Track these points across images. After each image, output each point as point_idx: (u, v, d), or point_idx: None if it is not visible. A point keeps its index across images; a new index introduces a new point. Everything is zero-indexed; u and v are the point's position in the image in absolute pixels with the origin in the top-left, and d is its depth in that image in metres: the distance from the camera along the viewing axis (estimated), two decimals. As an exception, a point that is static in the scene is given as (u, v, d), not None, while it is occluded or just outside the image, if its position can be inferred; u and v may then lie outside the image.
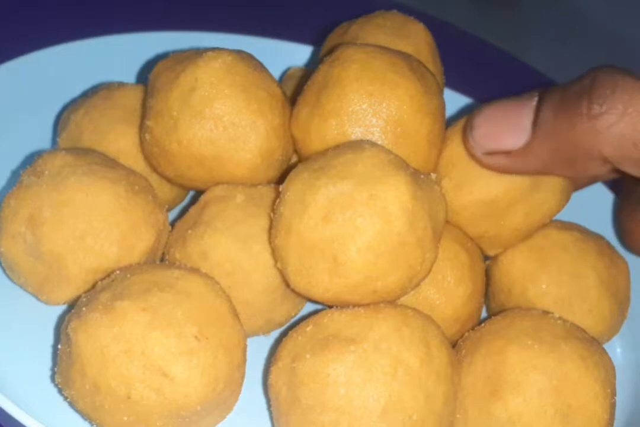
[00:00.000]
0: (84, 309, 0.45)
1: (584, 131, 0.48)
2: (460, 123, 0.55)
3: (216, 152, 0.52)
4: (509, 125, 0.51)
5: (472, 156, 0.54)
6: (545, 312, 0.52)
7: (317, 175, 0.47)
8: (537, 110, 0.51)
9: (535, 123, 0.51)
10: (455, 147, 0.55)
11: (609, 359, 0.50)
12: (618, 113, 0.47)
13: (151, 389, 0.43)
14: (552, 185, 0.54)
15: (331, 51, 0.56)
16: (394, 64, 0.53)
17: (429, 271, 0.48)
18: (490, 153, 0.52)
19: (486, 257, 0.59)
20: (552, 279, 0.56)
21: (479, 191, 0.54)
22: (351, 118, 0.51)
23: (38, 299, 0.52)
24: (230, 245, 0.50)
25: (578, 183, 0.57)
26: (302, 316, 0.55)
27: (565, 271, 0.56)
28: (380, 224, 0.45)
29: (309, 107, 0.53)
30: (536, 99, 0.51)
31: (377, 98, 0.51)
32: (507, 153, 0.52)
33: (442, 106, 0.55)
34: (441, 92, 0.55)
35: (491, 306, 0.59)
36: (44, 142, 0.63)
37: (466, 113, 0.69)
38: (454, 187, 0.55)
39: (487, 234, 0.56)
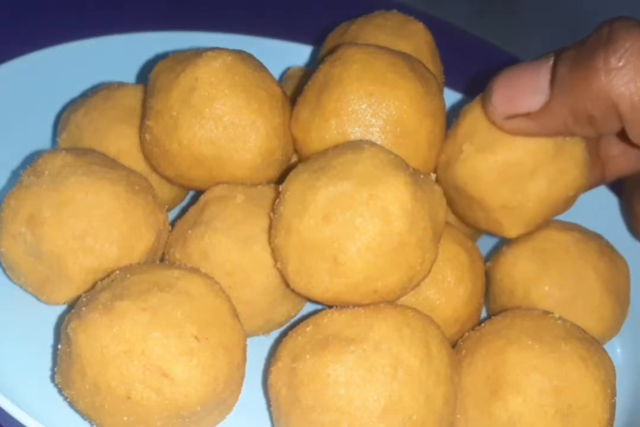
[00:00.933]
0: (83, 309, 0.45)
1: (601, 87, 0.47)
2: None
3: (216, 152, 0.52)
4: (527, 87, 0.51)
5: (493, 123, 0.53)
6: (546, 312, 0.52)
7: (317, 176, 0.47)
8: (554, 69, 0.50)
9: (552, 82, 0.50)
10: (477, 113, 0.55)
11: (609, 359, 0.50)
12: (636, 68, 0.46)
13: (151, 389, 0.43)
14: (574, 154, 0.54)
15: (331, 51, 0.56)
16: (394, 65, 0.53)
17: (429, 271, 0.48)
18: (511, 117, 0.52)
19: (486, 258, 0.59)
20: (554, 281, 0.56)
21: (502, 153, 0.53)
22: (351, 118, 0.51)
23: (38, 299, 0.52)
24: (231, 245, 0.50)
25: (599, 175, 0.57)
26: (302, 316, 0.55)
27: (567, 273, 0.56)
28: (380, 224, 0.45)
29: (309, 107, 0.53)
30: (552, 58, 0.50)
31: (377, 98, 0.51)
32: (526, 115, 0.51)
33: (442, 107, 0.54)
34: (441, 93, 0.55)
35: (492, 307, 0.59)
36: (44, 142, 0.63)
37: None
38: (475, 151, 0.54)
39: (509, 204, 0.54)
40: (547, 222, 0.57)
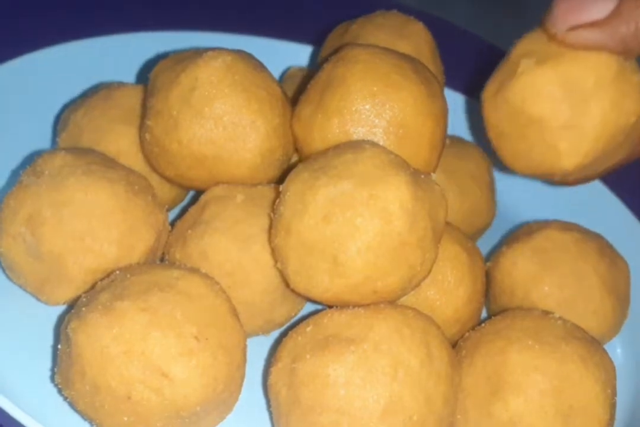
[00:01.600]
0: (83, 309, 0.45)
1: None
2: None
3: (216, 152, 0.52)
4: None
5: (554, 36, 0.49)
6: (546, 313, 0.52)
7: (317, 175, 0.47)
8: None
9: None
10: (534, 35, 0.51)
11: (610, 359, 0.50)
12: None
13: (151, 389, 0.43)
14: (634, 80, 0.49)
15: (334, 51, 0.56)
16: (398, 66, 0.52)
17: (429, 271, 0.48)
18: (574, 28, 0.47)
19: (486, 259, 0.59)
20: (555, 281, 0.56)
21: (564, 66, 0.49)
22: (354, 117, 0.51)
23: (38, 299, 0.52)
24: (230, 245, 0.50)
25: None
26: (302, 316, 0.55)
27: (567, 273, 0.56)
28: (381, 224, 0.45)
29: (312, 106, 0.53)
30: None
31: (380, 99, 0.51)
32: (592, 24, 0.47)
33: (445, 109, 0.54)
34: (443, 95, 0.55)
35: (492, 307, 0.59)
36: (44, 142, 0.63)
37: (467, 113, 0.69)
38: (535, 65, 0.49)
39: (570, 122, 0.49)
40: (601, 164, 0.52)
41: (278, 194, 0.49)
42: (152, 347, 0.43)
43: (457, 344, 0.52)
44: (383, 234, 0.45)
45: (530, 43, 0.51)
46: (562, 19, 0.48)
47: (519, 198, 0.72)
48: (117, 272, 0.48)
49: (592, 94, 0.49)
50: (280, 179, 0.52)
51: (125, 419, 0.44)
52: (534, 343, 0.48)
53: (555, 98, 0.49)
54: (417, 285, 0.48)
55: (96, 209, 0.49)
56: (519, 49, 0.51)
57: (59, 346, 0.46)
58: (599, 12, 0.47)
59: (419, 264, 0.46)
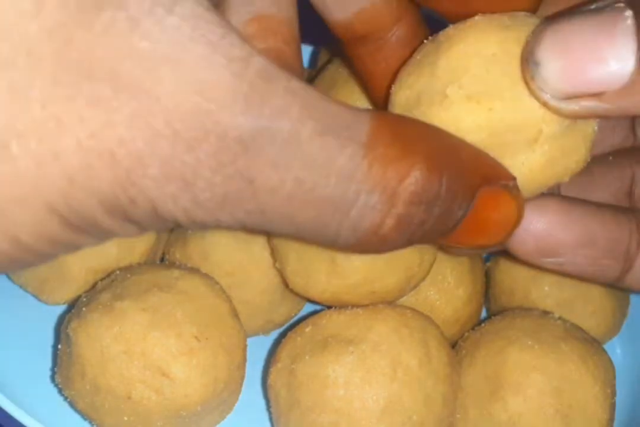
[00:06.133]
0: (84, 309, 0.45)
1: None
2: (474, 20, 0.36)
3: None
4: (598, 51, 0.32)
5: (544, 104, 0.34)
6: (545, 312, 0.52)
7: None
8: (638, 25, 0.32)
9: None
10: (469, 44, 0.35)
11: (609, 359, 0.50)
12: None
13: (151, 389, 0.43)
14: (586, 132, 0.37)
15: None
16: None
17: (428, 272, 0.48)
18: (573, 97, 0.34)
19: (486, 259, 0.59)
20: (554, 280, 0.56)
21: (504, 107, 0.34)
22: None
23: (38, 299, 0.52)
24: (231, 245, 0.50)
25: None
26: (302, 317, 0.55)
27: (566, 273, 0.56)
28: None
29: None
30: (628, 11, 0.32)
31: None
32: (598, 95, 0.33)
33: None
34: None
35: (492, 307, 0.59)
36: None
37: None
38: (464, 99, 0.34)
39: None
40: None
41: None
42: (153, 347, 0.43)
43: (457, 344, 0.52)
44: (381, 234, 0.44)
45: (467, 51, 0.35)
46: (556, 85, 0.33)
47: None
48: (118, 272, 0.48)
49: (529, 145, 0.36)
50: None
51: (126, 418, 0.44)
52: (534, 343, 0.48)
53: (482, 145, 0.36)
54: (416, 286, 0.48)
55: (96, 209, 0.49)
56: (453, 58, 0.35)
57: (59, 346, 0.46)
58: (610, 79, 0.33)
59: (417, 265, 0.46)
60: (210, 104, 0.25)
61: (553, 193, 0.42)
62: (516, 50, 0.34)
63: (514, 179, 0.34)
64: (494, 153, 0.34)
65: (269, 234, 0.49)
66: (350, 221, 0.28)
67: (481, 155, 0.33)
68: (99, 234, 0.28)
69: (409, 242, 0.31)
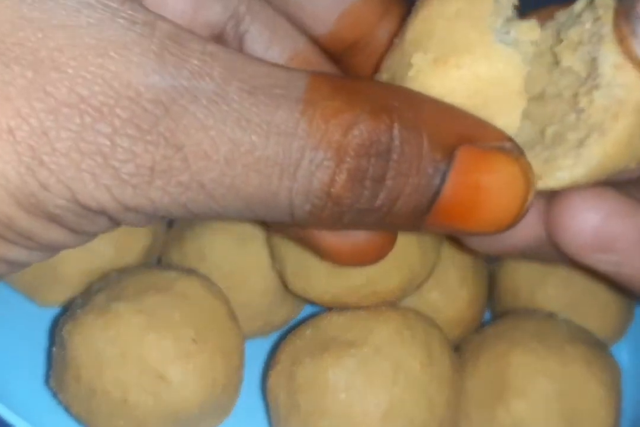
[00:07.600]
0: (78, 311, 0.45)
1: None
2: None
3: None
4: None
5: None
6: (550, 314, 0.51)
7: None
8: None
9: None
10: (433, 9, 0.32)
11: (614, 362, 0.50)
12: None
13: (148, 392, 0.43)
14: None
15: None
16: None
17: (431, 273, 0.48)
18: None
19: (490, 261, 0.59)
20: (559, 282, 0.55)
21: (474, 60, 0.30)
22: None
23: (32, 301, 0.51)
24: (229, 246, 0.50)
25: None
26: (302, 319, 0.54)
27: (571, 274, 0.56)
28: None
29: None
30: None
31: None
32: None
33: None
34: None
35: (496, 309, 0.59)
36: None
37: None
38: (430, 64, 0.31)
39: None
40: None
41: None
42: (149, 350, 0.43)
43: (460, 347, 0.51)
44: (383, 235, 0.44)
45: (430, 18, 0.32)
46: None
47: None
48: (113, 273, 0.48)
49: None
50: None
51: (122, 422, 0.44)
52: (538, 346, 0.48)
53: None
54: (419, 287, 0.48)
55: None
56: (416, 28, 0.33)
57: (54, 349, 0.46)
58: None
59: (420, 264, 0.46)
60: (117, 65, 0.23)
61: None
62: (481, 2, 0.31)
63: (510, 139, 0.29)
64: (483, 114, 0.30)
65: (268, 235, 0.49)
66: (299, 184, 0.26)
67: (455, 113, 0.29)
68: (24, 241, 0.25)
69: (378, 212, 0.27)
